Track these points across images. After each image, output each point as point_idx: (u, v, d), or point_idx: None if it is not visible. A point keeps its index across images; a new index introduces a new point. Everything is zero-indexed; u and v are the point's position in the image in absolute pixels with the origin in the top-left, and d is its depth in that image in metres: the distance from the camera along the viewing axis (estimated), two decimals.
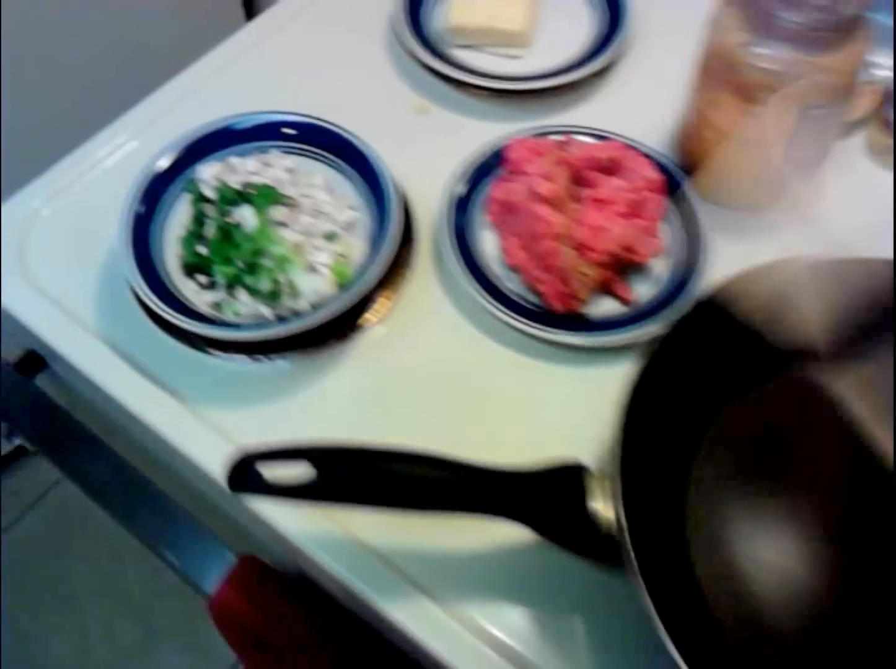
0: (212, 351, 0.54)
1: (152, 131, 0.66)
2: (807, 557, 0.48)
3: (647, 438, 0.48)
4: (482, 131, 0.65)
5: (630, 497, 0.45)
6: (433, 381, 0.55)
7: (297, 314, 0.52)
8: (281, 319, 0.52)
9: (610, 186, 0.57)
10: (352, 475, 0.42)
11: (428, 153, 0.65)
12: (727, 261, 0.58)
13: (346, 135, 0.58)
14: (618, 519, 0.43)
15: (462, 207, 0.61)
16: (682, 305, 0.54)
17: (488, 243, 0.60)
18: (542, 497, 0.44)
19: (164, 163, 0.57)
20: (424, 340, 0.57)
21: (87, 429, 0.61)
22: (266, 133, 0.59)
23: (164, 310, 0.51)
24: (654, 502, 0.47)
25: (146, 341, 0.54)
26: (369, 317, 0.56)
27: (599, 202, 0.56)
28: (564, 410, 0.54)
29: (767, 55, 0.51)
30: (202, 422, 0.52)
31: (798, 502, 0.50)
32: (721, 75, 0.54)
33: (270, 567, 0.55)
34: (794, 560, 0.48)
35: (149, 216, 0.56)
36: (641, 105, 0.68)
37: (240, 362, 0.54)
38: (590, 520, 0.44)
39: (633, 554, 0.41)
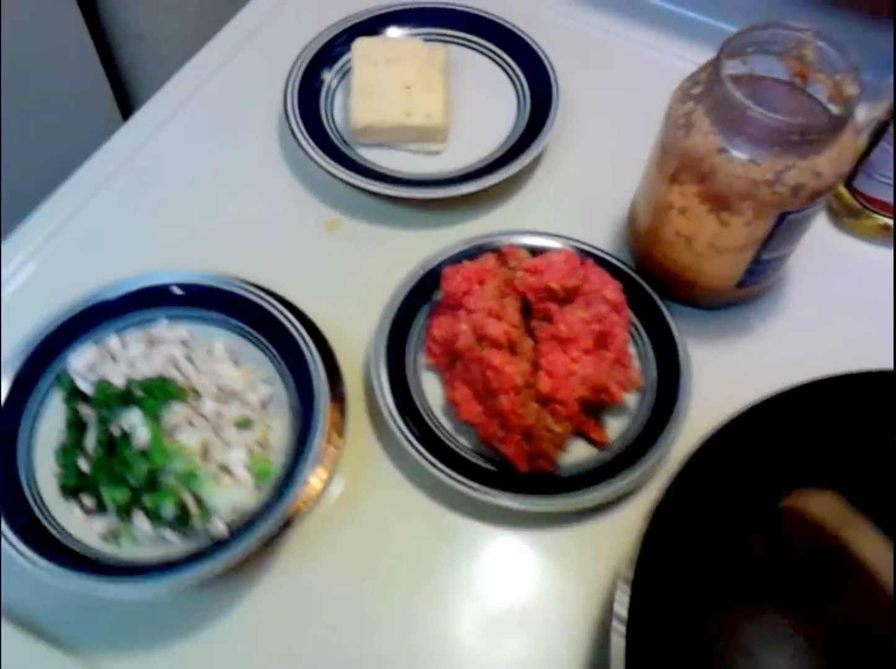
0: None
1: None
2: None
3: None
4: (407, 243, 0.56)
5: None
6: (388, 566, 0.46)
7: (213, 540, 0.42)
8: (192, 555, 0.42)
9: (571, 321, 0.48)
10: None
11: (346, 279, 0.56)
12: (707, 366, 0.51)
13: (243, 292, 0.48)
14: None
15: (399, 353, 0.51)
16: (667, 442, 0.47)
17: (431, 390, 0.51)
18: None
19: (19, 358, 0.46)
20: (371, 521, 0.47)
21: None
22: (147, 300, 0.48)
23: (27, 559, 0.40)
24: None
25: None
26: (301, 506, 0.47)
27: (560, 341, 0.48)
28: (537, 584, 0.46)
29: (745, 161, 0.43)
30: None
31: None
32: (690, 181, 0.46)
33: None
34: None
35: (12, 425, 0.45)
36: (576, 197, 0.60)
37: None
38: None
39: None
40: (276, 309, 0.48)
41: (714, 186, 0.44)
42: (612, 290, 0.50)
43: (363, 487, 0.49)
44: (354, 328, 0.53)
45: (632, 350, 0.52)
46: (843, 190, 0.58)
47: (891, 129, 0.51)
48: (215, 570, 0.40)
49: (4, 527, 0.41)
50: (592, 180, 0.61)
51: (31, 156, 0.92)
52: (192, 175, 0.61)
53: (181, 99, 0.65)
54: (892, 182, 0.54)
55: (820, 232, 0.59)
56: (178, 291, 0.48)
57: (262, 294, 0.49)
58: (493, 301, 0.49)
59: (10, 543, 0.41)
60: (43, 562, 0.40)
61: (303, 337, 0.47)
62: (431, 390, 0.51)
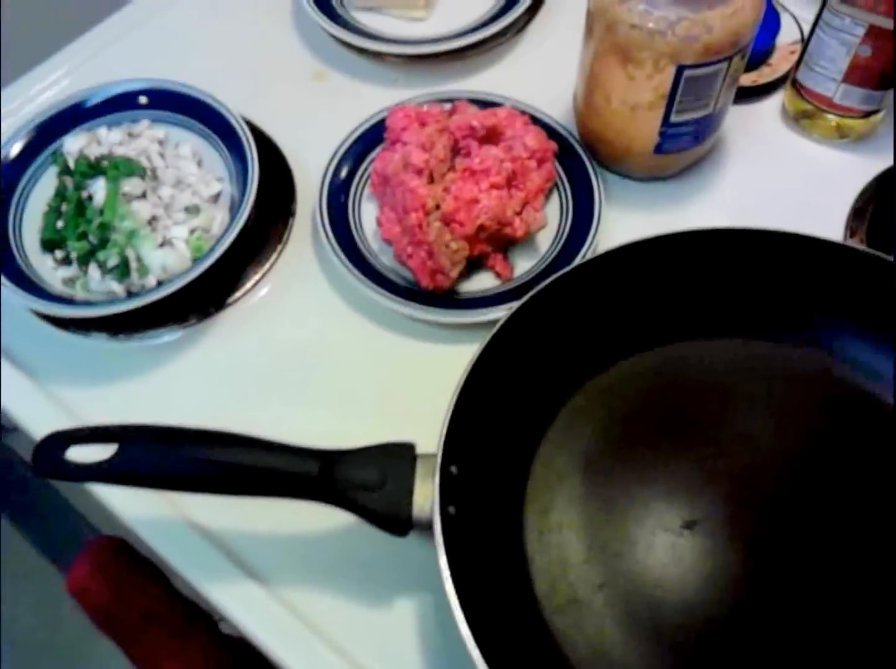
0: (70, 328, 0.52)
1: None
2: (663, 548, 0.45)
3: (486, 420, 0.45)
4: (381, 98, 0.62)
5: (457, 480, 0.43)
6: (296, 360, 0.53)
7: (145, 290, 0.51)
8: (131, 295, 0.51)
9: (485, 156, 0.53)
10: (152, 457, 0.41)
11: (323, 122, 0.62)
12: (625, 232, 0.55)
13: (206, 99, 0.56)
14: (433, 504, 0.40)
15: (347, 180, 0.58)
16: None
17: (370, 217, 0.58)
18: (360, 479, 0.42)
19: (17, 145, 0.56)
20: (292, 318, 0.55)
21: None
22: (123, 104, 0.57)
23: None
24: (487, 486, 0.45)
25: None
26: (237, 293, 0.55)
27: (473, 173, 0.53)
28: (431, 388, 0.51)
29: (642, 11, 0.47)
30: (50, 400, 0.51)
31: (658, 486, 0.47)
32: (602, 36, 0.50)
33: (130, 547, 0.54)
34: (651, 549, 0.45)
35: (8, 194, 0.55)
36: (549, 71, 0.64)
37: (99, 340, 0.53)
38: (409, 504, 0.41)
39: (442, 541, 0.39)
40: (238, 124, 0.55)
41: (616, 37, 0.49)
42: (532, 138, 0.54)
43: (293, 288, 0.56)
44: (321, 162, 0.60)
45: (555, 202, 0.57)
46: (790, 88, 0.60)
47: (825, 16, 0.53)
48: (136, 305, 0.49)
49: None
50: (570, 57, 0.65)
51: None
52: (210, 29, 0.69)
53: None
54: (829, 74, 0.56)
55: (772, 130, 0.61)
56: (161, 97, 0.57)
57: (231, 111, 0.56)
58: (426, 136, 0.55)
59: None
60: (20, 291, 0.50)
61: (250, 147, 0.54)
62: (370, 216, 0.58)
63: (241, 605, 0.45)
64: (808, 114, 0.60)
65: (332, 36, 0.64)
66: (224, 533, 0.47)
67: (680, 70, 0.49)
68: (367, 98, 0.63)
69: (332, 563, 0.46)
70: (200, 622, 0.51)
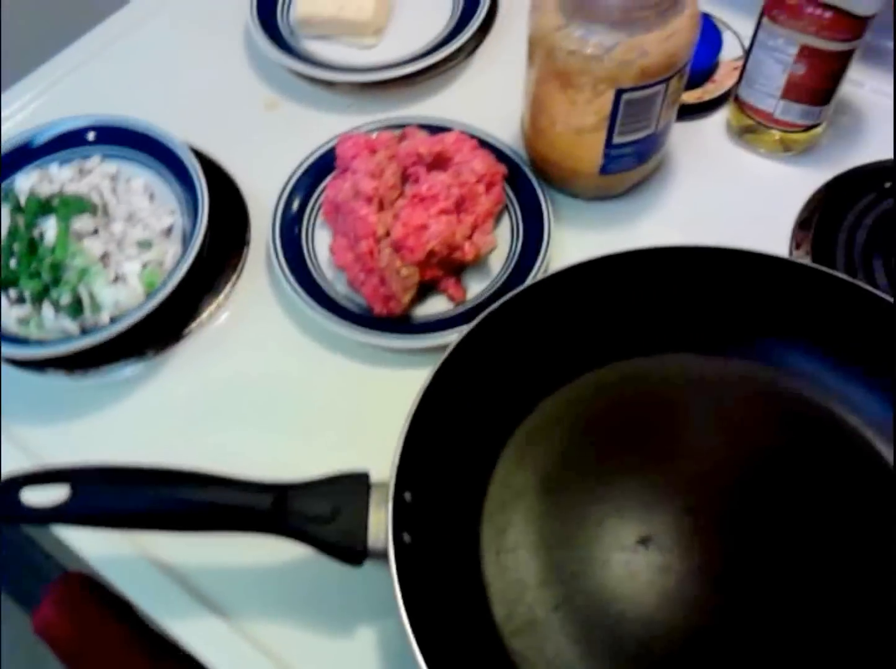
0: (27, 367, 0.53)
1: None
2: (622, 568, 0.46)
3: (440, 444, 0.46)
4: (334, 124, 0.63)
5: (412, 506, 0.43)
6: (255, 389, 0.54)
7: (99, 327, 0.51)
8: (85, 332, 0.51)
9: (433, 182, 0.54)
10: (106, 497, 0.41)
11: (276, 151, 0.63)
12: (577, 251, 0.56)
13: (153, 133, 0.56)
14: (386, 532, 0.41)
15: (300, 209, 0.59)
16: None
17: (323, 245, 0.58)
18: (314, 512, 0.42)
19: None
20: (249, 347, 0.55)
21: None
22: (71, 140, 0.57)
23: None
24: (443, 510, 0.46)
25: None
26: (193, 324, 0.55)
27: (422, 199, 0.54)
28: (388, 413, 0.52)
29: (579, 38, 0.48)
30: (10, 440, 0.51)
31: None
32: (542, 62, 0.51)
33: (96, 582, 0.54)
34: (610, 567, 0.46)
35: None
36: (498, 94, 0.64)
37: (56, 378, 0.53)
38: (364, 534, 0.42)
39: (395, 570, 0.40)
40: (186, 155, 0.56)
41: (556, 63, 0.50)
42: (480, 162, 0.55)
43: (249, 317, 0.56)
44: (276, 190, 0.60)
45: (505, 224, 0.58)
46: (733, 105, 0.61)
47: (760, 36, 0.55)
48: (90, 343, 0.49)
49: None
50: (518, 79, 0.66)
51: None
52: (163, 60, 0.70)
53: None
54: (769, 91, 0.57)
55: (718, 145, 0.63)
56: (108, 132, 0.58)
57: (178, 143, 0.57)
58: (375, 164, 0.55)
59: None
60: None
61: (199, 178, 0.54)
62: (324, 244, 0.58)
63: (203, 640, 0.45)
64: (751, 129, 0.61)
65: (283, 66, 0.65)
66: (185, 568, 0.47)
67: (619, 93, 0.50)
68: (320, 125, 0.64)
69: (294, 594, 0.47)
70: (170, 656, 0.52)
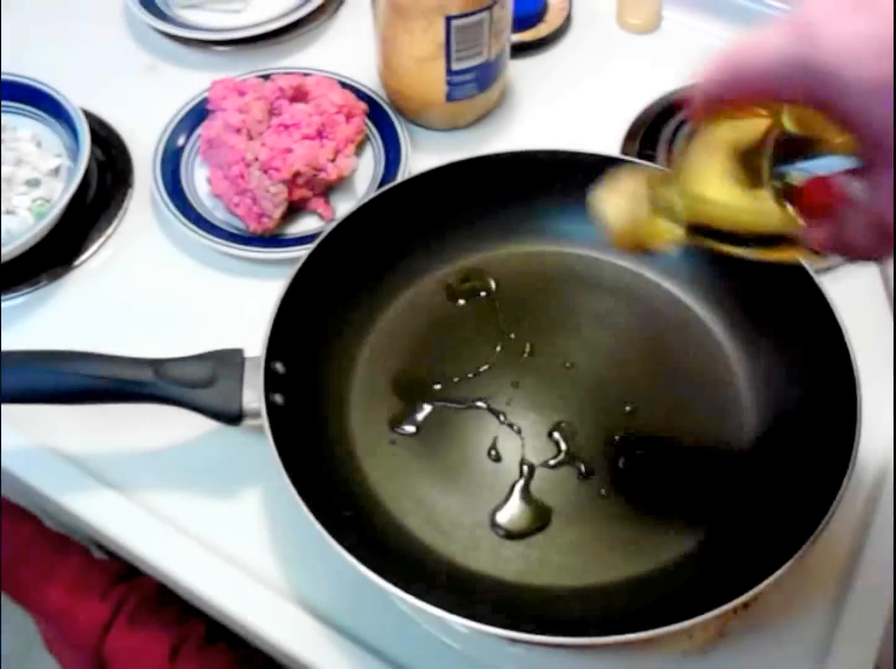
0: None
1: None
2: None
3: (307, 324, 0.52)
4: (206, 82, 0.69)
5: (284, 377, 0.49)
6: (143, 311, 0.58)
7: None
8: None
9: (295, 111, 0.61)
10: (7, 377, 0.46)
11: (157, 107, 0.68)
12: None
13: (38, 86, 0.62)
14: (259, 394, 0.47)
15: (178, 150, 0.65)
16: None
17: (203, 181, 0.64)
18: (192, 378, 0.47)
19: None
20: (137, 274, 0.60)
21: None
22: None
23: None
24: (314, 379, 0.52)
25: None
26: (83, 256, 0.60)
27: (286, 127, 0.60)
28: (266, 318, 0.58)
29: None
30: None
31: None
32: None
33: None
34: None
35: None
36: (361, 47, 0.70)
37: None
38: (239, 396, 0.47)
39: (268, 424, 0.45)
40: (67, 102, 0.61)
41: None
42: (337, 95, 0.62)
43: (135, 249, 0.62)
44: (154, 142, 0.66)
45: (369, 153, 0.65)
46: None
47: None
48: None
49: None
50: None
51: None
52: (48, 30, 0.75)
53: None
54: None
55: (557, 77, 0.71)
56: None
57: (64, 96, 0.62)
58: (243, 103, 0.62)
59: None
60: None
61: (80, 120, 0.60)
62: (201, 182, 0.64)
63: (104, 513, 0.49)
64: None
65: (160, 31, 0.71)
66: (84, 454, 0.52)
67: (448, 21, 0.57)
68: (196, 83, 0.69)
69: (185, 467, 0.51)
70: (73, 548, 0.56)
